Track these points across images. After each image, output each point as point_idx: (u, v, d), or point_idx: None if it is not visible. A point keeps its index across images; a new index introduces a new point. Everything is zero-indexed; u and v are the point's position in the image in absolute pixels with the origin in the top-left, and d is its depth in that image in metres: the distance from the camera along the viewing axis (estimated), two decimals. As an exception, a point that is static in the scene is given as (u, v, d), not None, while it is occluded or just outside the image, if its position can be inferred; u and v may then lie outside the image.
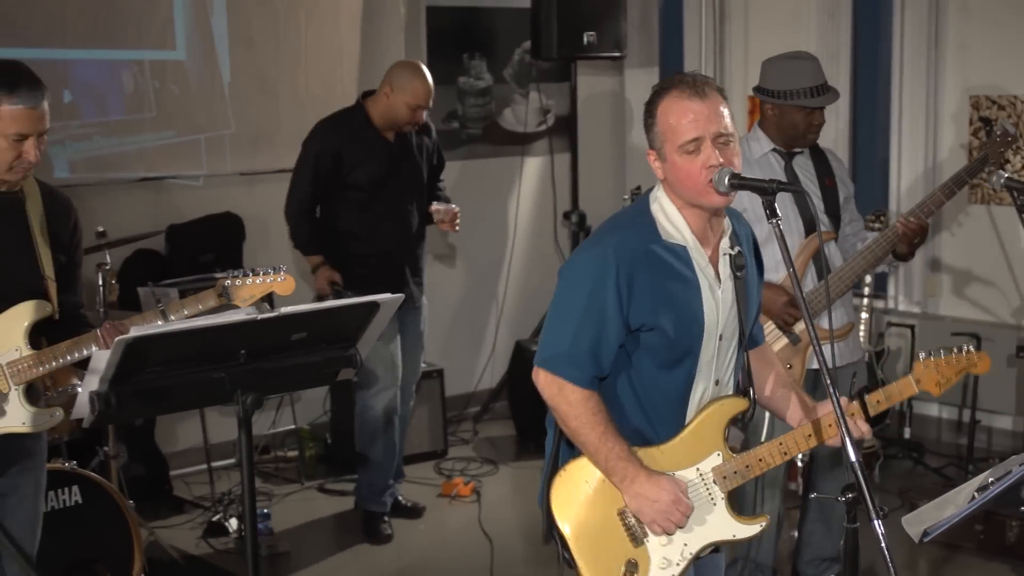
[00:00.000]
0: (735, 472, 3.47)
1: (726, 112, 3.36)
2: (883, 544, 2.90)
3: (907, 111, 8.03)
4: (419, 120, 6.53)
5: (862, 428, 3.48)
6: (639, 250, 3.37)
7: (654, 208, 3.46)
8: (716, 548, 3.55)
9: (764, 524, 3.54)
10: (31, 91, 3.94)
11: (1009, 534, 6.05)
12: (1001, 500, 3.35)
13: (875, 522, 2.92)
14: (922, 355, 3.72)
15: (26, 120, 3.94)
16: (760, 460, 3.48)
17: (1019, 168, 7.44)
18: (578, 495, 3.41)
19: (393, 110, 6.49)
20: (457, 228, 6.77)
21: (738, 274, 3.48)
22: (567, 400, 3.37)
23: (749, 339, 3.62)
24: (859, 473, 3.02)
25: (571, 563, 3.40)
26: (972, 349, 3.73)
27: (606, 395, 3.43)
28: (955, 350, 3.72)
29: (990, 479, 3.39)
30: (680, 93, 3.34)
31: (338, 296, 6.32)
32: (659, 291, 3.35)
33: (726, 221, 3.50)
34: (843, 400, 3.46)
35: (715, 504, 3.46)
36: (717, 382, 3.50)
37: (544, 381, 3.42)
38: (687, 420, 3.46)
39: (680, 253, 3.40)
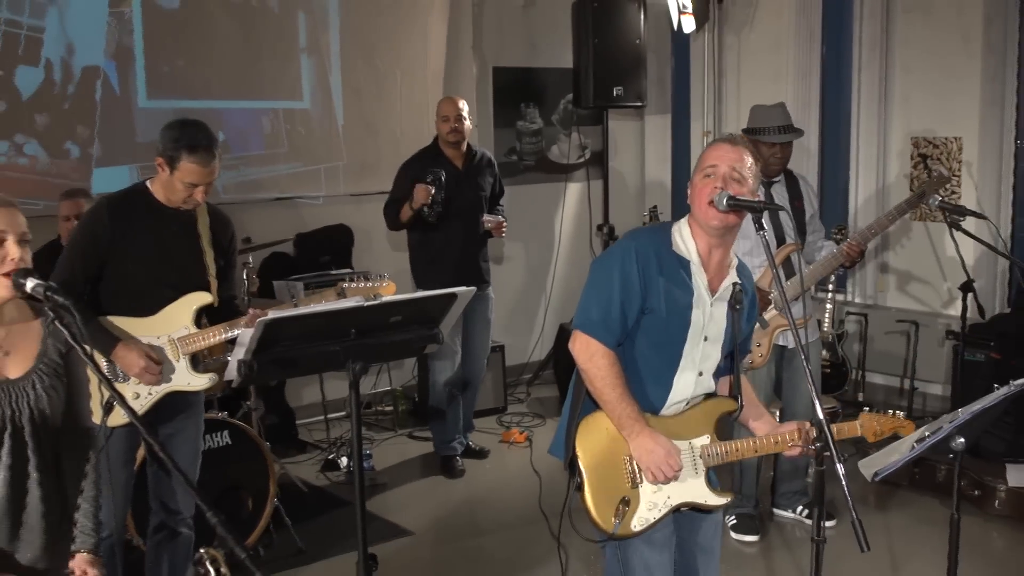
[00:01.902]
0: (716, 454, 3.46)
1: (748, 161, 3.35)
2: (843, 482, 2.89)
3: (863, 148, 7.97)
4: (456, 129, 6.52)
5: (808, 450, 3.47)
6: (653, 251, 3.37)
7: (673, 228, 3.46)
8: (694, 507, 3.55)
9: (729, 499, 3.55)
10: (207, 153, 3.99)
11: (938, 475, 6.02)
12: (934, 449, 3.34)
13: (838, 465, 2.91)
14: (867, 409, 3.68)
15: (199, 175, 3.99)
16: (736, 450, 3.48)
17: (948, 193, 7.36)
18: (597, 438, 3.40)
19: (440, 132, 6.59)
20: (503, 233, 6.76)
21: (736, 306, 3.47)
22: (596, 364, 3.35)
23: (737, 365, 3.62)
24: (826, 428, 3.01)
25: (580, 487, 3.39)
26: (903, 416, 3.68)
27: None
28: (892, 413, 3.68)
29: (926, 433, 3.38)
30: (722, 142, 3.41)
31: (437, 190, 6.33)
32: (663, 284, 3.35)
33: (734, 260, 3.50)
34: (806, 424, 3.44)
35: (698, 474, 3.45)
36: (700, 373, 3.47)
37: (579, 346, 3.40)
38: (671, 397, 3.45)
39: (684, 264, 3.39)
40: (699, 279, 3.40)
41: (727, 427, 3.53)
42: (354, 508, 3.38)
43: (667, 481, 3.39)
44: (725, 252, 3.46)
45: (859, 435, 3.64)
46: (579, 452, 3.40)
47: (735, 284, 3.47)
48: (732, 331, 3.49)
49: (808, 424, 3.47)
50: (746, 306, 3.54)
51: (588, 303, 3.43)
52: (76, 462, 3.04)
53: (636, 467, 3.39)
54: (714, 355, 3.49)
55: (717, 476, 3.57)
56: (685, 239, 3.42)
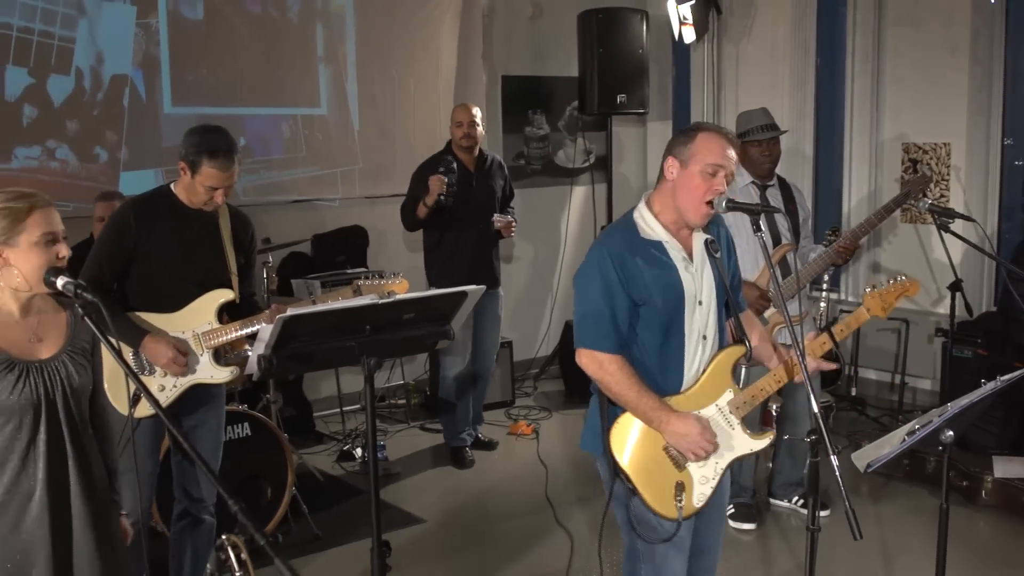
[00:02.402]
0: (744, 402, 3.42)
1: (735, 154, 3.35)
2: (837, 473, 2.88)
3: (855, 154, 7.95)
4: (469, 134, 6.51)
5: (823, 364, 3.48)
6: (625, 247, 3.33)
7: (635, 217, 3.42)
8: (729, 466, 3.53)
9: (772, 437, 3.51)
10: (227, 159, 3.98)
11: (928, 467, 6.00)
12: (924, 441, 3.32)
13: (832, 457, 2.90)
14: (867, 289, 3.65)
15: (219, 179, 3.99)
16: (761, 390, 3.44)
17: (937, 197, 7.35)
18: (631, 440, 3.36)
19: (454, 137, 6.58)
20: (512, 233, 6.74)
21: (716, 255, 3.43)
22: (607, 371, 3.32)
23: (736, 305, 3.57)
24: (820, 421, 2.99)
25: (635, 491, 3.34)
26: (905, 277, 3.63)
27: None
28: (891, 280, 3.65)
29: (916, 426, 3.36)
30: (721, 136, 3.33)
31: (449, 187, 6.26)
32: (647, 273, 3.31)
33: None
34: (813, 334, 3.46)
35: (733, 429, 3.41)
36: (704, 337, 3.42)
37: (586, 361, 3.36)
38: (686, 370, 3.40)
39: (656, 246, 3.36)
40: (675, 253, 3.37)
41: (741, 371, 3.49)
42: (368, 497, 3.38)
43: (709, 455, 3.36)
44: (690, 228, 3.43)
45: (869, 318, 3.61)
46: (619, 460, 3.36)
47: (706, 240, 3.42)
48: (720, 281, 3.44)
49: (813, 335, 3.46)
50: (723, 248, 3.50)
51: (581, 319, 3.40)
52: (102, 443, 3.09)
53: (676, 451, 3.35)
54: (712, 316, 3.44)
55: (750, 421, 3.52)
56: (650, 223, 3.38)
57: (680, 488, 3.34)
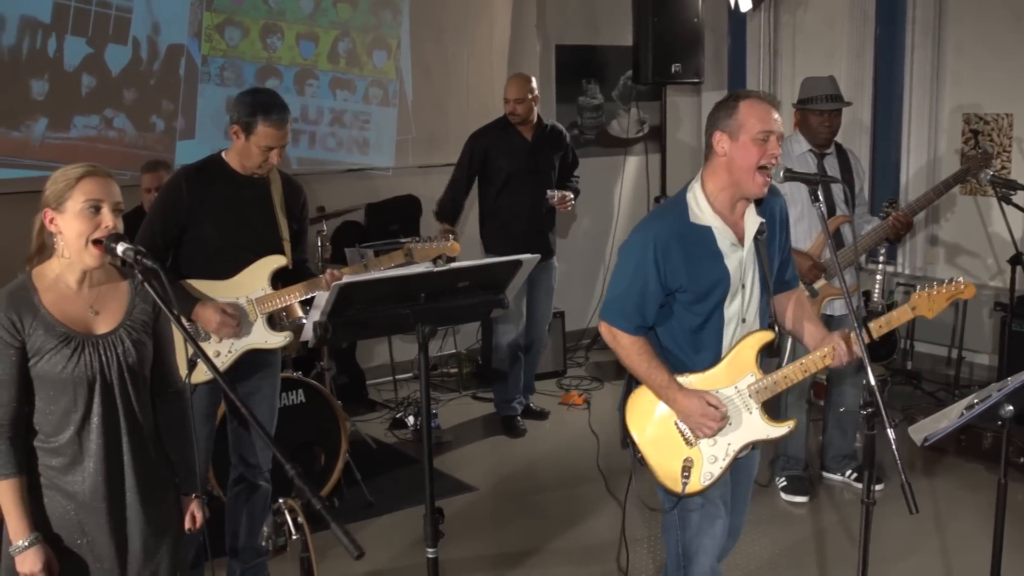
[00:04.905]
0: (766, 387, 3.39)
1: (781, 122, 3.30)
2: (894, 447, 2.85)
3: (915, 124, 7.83)
4: (519, 111, 6.48)
5: (856, 352, 3.37)
6: (673, 233, 3.29)
7: (688, 197, 3.36)
8: (753, 447, 3.51)
9: (792, 426, 3.47)
10: (281, 116, 4.01)
11: (985, 442, 5.92)
12: (983, 416, 3.30)
13: (888, 430, 2.87)
14: (918, 287, 3.61)
15: (275, 137, 4.01)
16: (785, 377, 3.40)
17: (999, 168, 7.23)
18: (645, 413, 3.41)
19: (507, 109, 6.54)
20: (568, 207, 6.69)
21: (759, 237, 3.37)
22: (620, 343, 3.38)
23: (783, 283, 3.54)
24: (876, 394, 2.96)
25: (643, 462, 3.41)
26: (960, 280, 3.57)
27: (660, 340, 3.41)
28: (946, 282, 3.57)
29: (975, 400, 3.33)
30: (762, 101, 3.26)
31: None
32: (690, 261, 3.28)
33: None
34: (843, 331, 3.40)
35: (751, 413, 3.40)
36: (744, 320, 3.41)
37: (604, 330, 3.43)
38: (724, 351, 3.39)
39: (705, 232, 3.31)
40: (723, 238, 3.32)
41: (772, 357, 3.46)
42: (420, 464, 3.41)
43: (716, 433, 3.36)
44: (748, 200, 3.36)
45: (913, 317, 3.55)
46: (632, 431, 3.42)
47: (758, 226, 3.36)
48: (762, 265, 3.40)
49: (846, 331, 3.40)
50: (778, 222, 3.45)
51: (611, 291, 3.43)
52: (166, 419, 3.09)
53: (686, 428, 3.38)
54: (754, 300, 3.42)
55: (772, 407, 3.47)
56: (701, 206, 3.33)
57: (688, 463, 3.37)
